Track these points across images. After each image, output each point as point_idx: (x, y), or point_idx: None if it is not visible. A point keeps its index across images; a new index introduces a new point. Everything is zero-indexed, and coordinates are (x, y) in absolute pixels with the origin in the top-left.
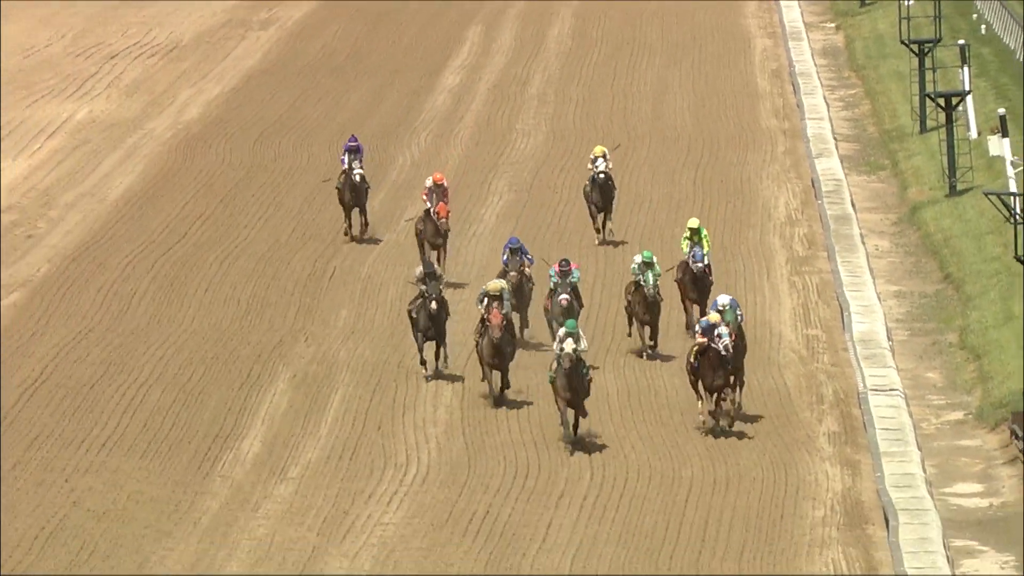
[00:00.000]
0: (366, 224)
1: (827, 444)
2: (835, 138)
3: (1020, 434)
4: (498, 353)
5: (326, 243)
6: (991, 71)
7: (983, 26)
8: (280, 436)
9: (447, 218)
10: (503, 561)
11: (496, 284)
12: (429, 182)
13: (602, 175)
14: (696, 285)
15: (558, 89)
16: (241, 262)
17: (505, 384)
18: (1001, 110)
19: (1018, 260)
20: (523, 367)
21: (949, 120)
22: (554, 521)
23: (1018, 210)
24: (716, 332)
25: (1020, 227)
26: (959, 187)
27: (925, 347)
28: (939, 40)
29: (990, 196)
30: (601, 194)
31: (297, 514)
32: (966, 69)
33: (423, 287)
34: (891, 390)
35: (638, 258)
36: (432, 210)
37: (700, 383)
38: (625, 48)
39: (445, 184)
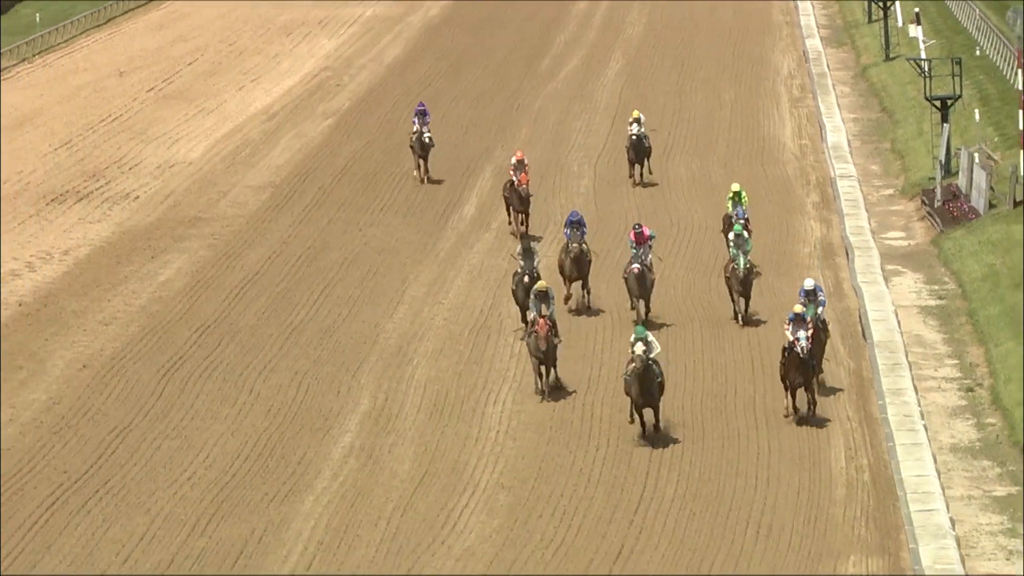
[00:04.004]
0: (427, 171)
1: (812, 209)
2: (817, 27)
3: (927, 202)
4: (545, 355)
5: (512, 90)
6: None
7: None
8: (486, 204)
9: (527, 184)
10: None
11: (543, 284)
12: (513, 160)
13: (635, 137)
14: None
15: (653, 5)
16: (464, 101)
17: (554, 377)
18: (916, 8)
19: (926, 99)
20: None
21: (885, 15)
22: None
23: (926, 69)
24: (796, 335)
25: (927, 79)
26: (892, 55)
27: (870, 151)
28: None
29: (910, 60)
30: (636, 151)
31: (496, 249)
32: None
33: (521, 263)
34: (850, 176)
35: (731, 235)
36: (516, 182)
37: (785, 379)
38: None
39: (525, 161)
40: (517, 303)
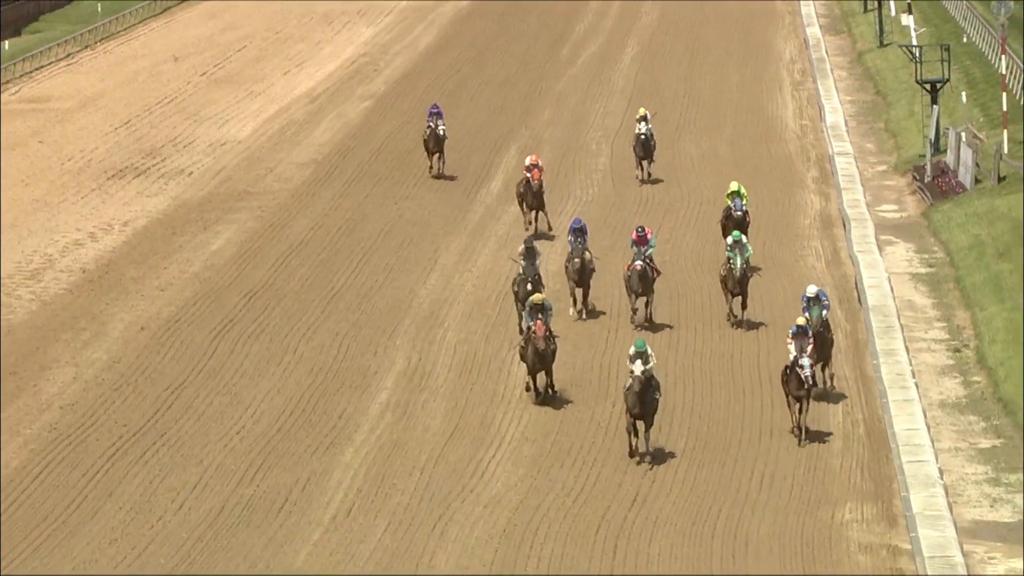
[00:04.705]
0: (443, 165)
1: (811, 183)
2: (817, 16)
3: (918, 177)
4: (542, 359)
5: (536, 75)
6: None
7: None
8: (512, 180)
9: (539, 180)
10: None
11: (538, 296)
12: (527, 161)
13: (642, 135)
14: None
15: None
16: (491, 85)
17: (550, 384)
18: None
19: (917, 83)
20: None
21: (879, 5)
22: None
23: (917, 55)
24: (800, 360)
25: (918, 64)
26: (885, 42)
27: (866, 130)
28: None
29: (902, 47)
30: (643, 148)
31: (520, 221)
32: None
33: (522, 264)
34: (847, 154)
35: (730, 239)
36: (531, 179)
37: (788, 393)
38: None
39: (540, 164)
40: (517, 303)
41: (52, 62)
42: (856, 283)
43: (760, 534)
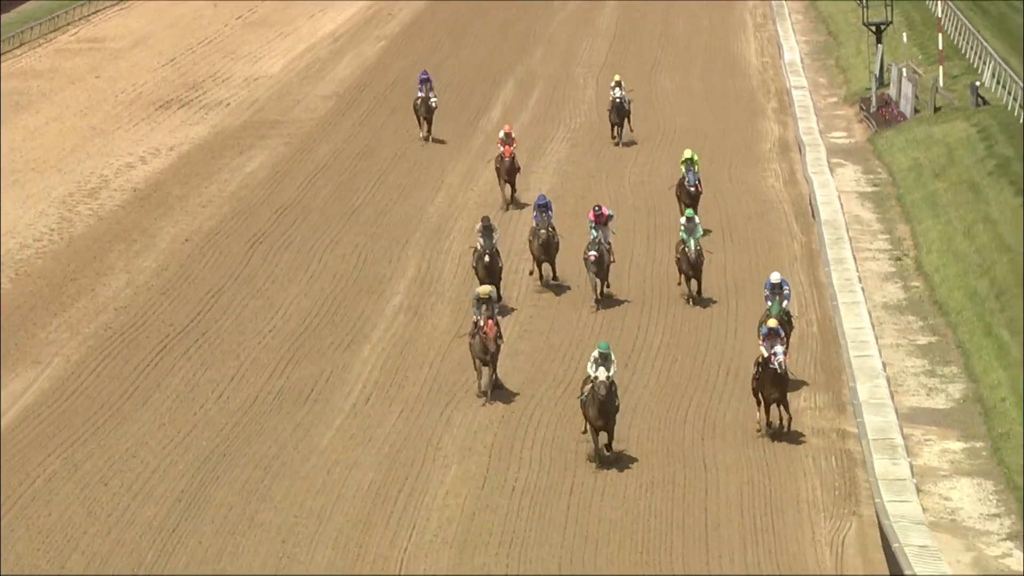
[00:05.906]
0: (431, 132)
1: (771, 113)
2: None
3: (865, 108)
4: (488, 353)
5: (530, 18)
6: None
7: None
8: (509, 110)
9: (511, 157)
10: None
11: (485, 289)
12: (501, 133)
13: (617, 99)
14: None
15: None
16: (490, 27)
17: (493, 377)
18: None
19: (864, 25)
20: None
21: None
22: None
23: (864, 1)
24: (772, 350)
25: (865, 8)
26: None
27: (819, 67)
28: None
29: None
30: (617, 113)
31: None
32: None
33: (480, 240)
34: (802, 87)
35: (683, 219)
36: (502, 155)
37: (760, 393)
38: None
39: (513, 134)
40: (479, 280)
41: (107, 6)
42: (810, 200)
43: (726, 420)
